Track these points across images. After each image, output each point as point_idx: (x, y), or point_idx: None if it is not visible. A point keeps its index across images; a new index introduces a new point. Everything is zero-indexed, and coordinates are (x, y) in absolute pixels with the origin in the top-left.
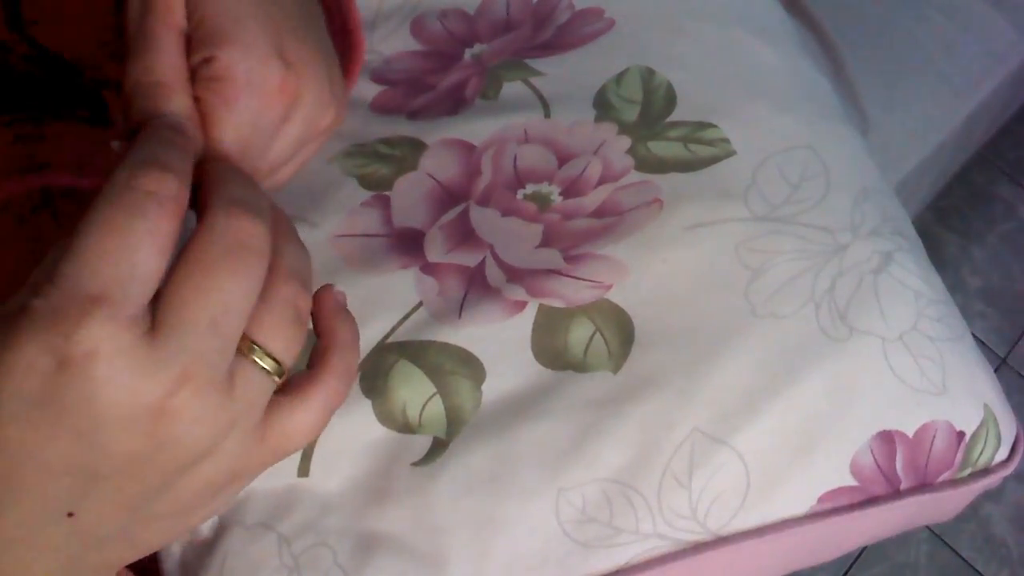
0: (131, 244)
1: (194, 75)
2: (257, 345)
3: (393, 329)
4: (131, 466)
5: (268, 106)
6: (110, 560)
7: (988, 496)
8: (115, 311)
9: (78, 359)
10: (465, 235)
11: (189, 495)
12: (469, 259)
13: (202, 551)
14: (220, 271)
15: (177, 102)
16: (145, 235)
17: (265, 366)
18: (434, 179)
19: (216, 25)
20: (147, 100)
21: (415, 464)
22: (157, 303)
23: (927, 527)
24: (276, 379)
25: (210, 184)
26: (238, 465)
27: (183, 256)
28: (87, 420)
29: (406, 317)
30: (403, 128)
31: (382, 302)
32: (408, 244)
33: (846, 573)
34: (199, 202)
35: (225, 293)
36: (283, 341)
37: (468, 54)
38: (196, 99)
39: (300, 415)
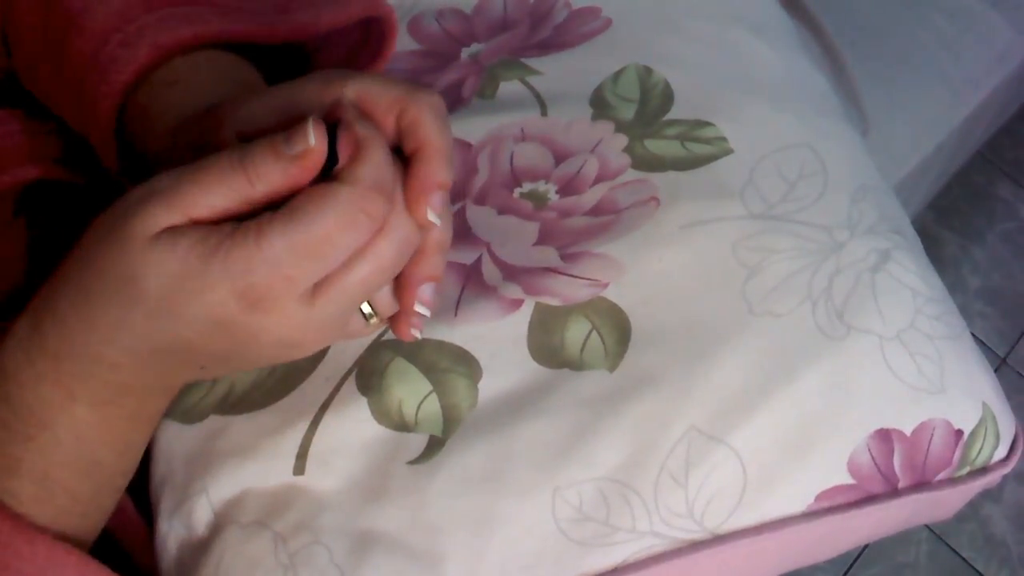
0: (337, 251)
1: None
2: (372, 306)
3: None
4: (258, 361)
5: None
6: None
7: (988, 496)
8: (297, 289)
9: (257, 313)
10: (461, 232)
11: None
12: (465, 256)
13: (198, 550)
14: (387, 269)
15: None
16: (350, 246)
17: (371, 320)
18: None
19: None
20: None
21: (411, 462)
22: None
23: (927, 527)
24: (371, 323)
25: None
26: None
27: (370, 246)
28: (246, 340)
29: None
30: None
31: None
32: None
33: (846, 573)
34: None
35: (376, 284)
36: (388, 302)
37: (465, 53)
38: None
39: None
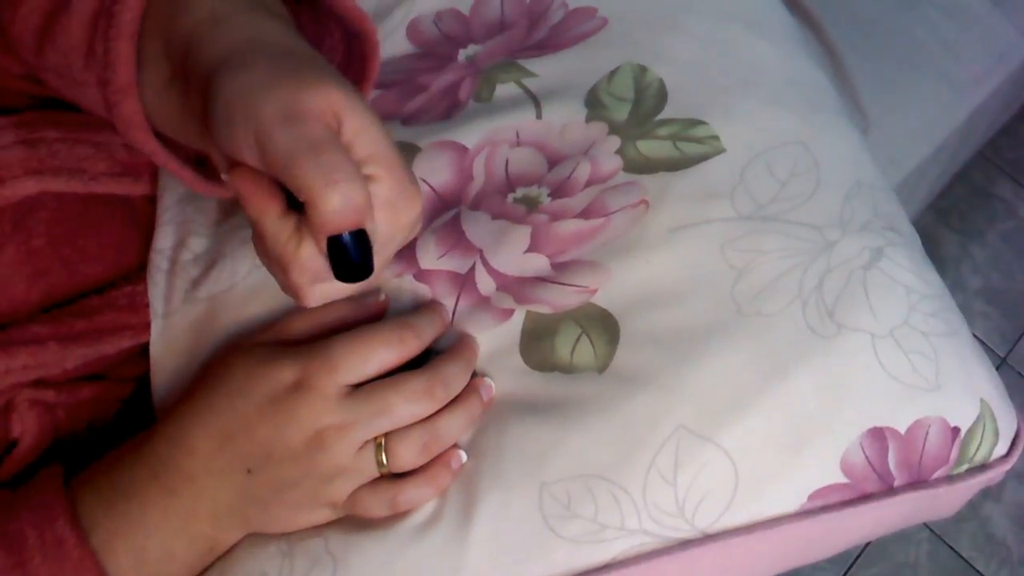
0: (374, 361)
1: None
2: (385, 445)
3: None
4: (290, 459)
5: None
6: (247, 519)
7: (988, 495)
8: (340, 378)
9: (307, 390)
10: (456, 239)
11: (307, 497)
12: (460, 265)
13: None
14: (413, 399)
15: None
16: (383, 360)
17: (381, 458)
18: (427, 184)
19: (376, 151)
20: (342, 194)
21: None
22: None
23: (927, 526)
24: (377, 473)
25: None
26: (341, 499)
27: (407, 374)
28: (288, 421)
29: None
30: (397, 133)
31: None
32: (401, 250)
33: (846, 572)
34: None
35: (398, 408)
36: (400, 459)
37: (462, 55)
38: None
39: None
